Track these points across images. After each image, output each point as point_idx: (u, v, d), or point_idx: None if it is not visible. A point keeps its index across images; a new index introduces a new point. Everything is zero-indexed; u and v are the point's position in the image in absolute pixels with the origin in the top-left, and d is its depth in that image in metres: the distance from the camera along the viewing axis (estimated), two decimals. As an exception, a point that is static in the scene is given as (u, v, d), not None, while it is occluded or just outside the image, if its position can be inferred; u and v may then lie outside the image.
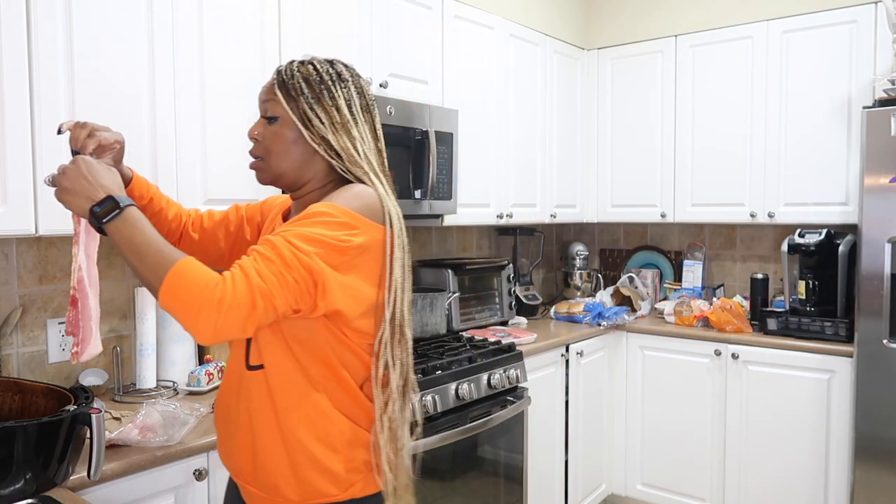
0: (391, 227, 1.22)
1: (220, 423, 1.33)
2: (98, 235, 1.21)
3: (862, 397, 2.56)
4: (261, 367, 1.23)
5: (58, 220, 1.62)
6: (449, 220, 2.74)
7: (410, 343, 1.28)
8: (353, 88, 1.27)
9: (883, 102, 2.60)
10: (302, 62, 1.28)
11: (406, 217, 2.56)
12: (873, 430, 2.54)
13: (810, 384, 2.76)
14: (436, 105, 2.60)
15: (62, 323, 1.94)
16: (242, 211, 1.48)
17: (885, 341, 2.51)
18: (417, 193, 2.46)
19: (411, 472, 1.28)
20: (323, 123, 1.23)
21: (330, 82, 1.25)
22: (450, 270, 2.87)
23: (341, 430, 1.22)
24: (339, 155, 1.24)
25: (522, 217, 3.18)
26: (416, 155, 2.45)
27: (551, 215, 3.38)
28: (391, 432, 1.24)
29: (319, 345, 1.21)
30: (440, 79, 2.69)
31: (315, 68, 1.26)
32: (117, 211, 1.10)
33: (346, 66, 1.30)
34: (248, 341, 1.24)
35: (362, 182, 1.25)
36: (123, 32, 1.73)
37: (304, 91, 1.23)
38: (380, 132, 1.31)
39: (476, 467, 2.33)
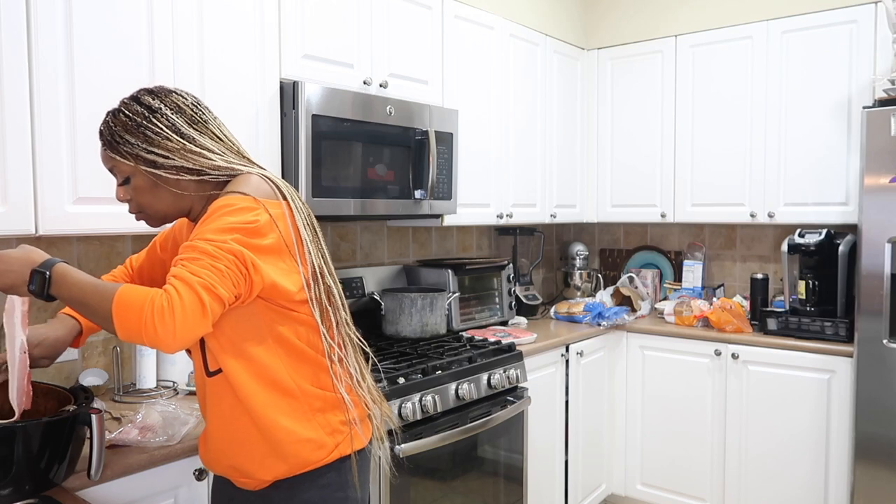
0: (283, 197, 1.30)
1: (205, 428, 1.40)
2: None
3: (862, 397, 2.56)
4: (219, 371, 1.29)
5: (58, 220, 1.62)
6: (449, 220, 2.74)
7: (338, 289, 1.36)
8: (168, 112, 1.28)
9: (883, 102, 2.60)
10: (114, 114, 1.29)
11: (406, 217, 2.60)
12: (873, 430, 2.54)
13: (810, 384, 2.76)
14: (436, 105, 2.60)
15: (62, 323, 1.94)
16: (159, 239, 1.56)
17: (885, 341, 2.51)
18: (417, 193, 2.46)
19: (379, 396, 1.42)
20: (167, 157, 1.27)
21: (145, 121, 1.27)
22: (450, 270, 2.87)
23: (310, 403, 1.31)
24: (199, 172, 1.29)
25: (522, 217, 3.18)
26: (416, 155, 2.45)
27: (551, 215, 3.38)
28: (351, 374, 1.35)
29: (272, 328, 1.28)
30: (440, 79, 2.69)
31: (125, 114, 1.28)
32: (45, 279, 1.14)
33: (150, 91, 1.31)
34: (203, 350, 1.31)
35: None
36: (123, 33, 1.73)
37: (130, 142, 1.26)
38: (219, 131, 1.34)
39: (476, 467, 2.33)
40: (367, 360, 1.42)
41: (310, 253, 1.30)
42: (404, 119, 2.40)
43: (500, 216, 3.03)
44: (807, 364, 2.77)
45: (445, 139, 2.57)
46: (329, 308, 1.32)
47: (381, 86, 2.41)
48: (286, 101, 2.09)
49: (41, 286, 1.15)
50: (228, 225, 1.19)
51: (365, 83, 2.36)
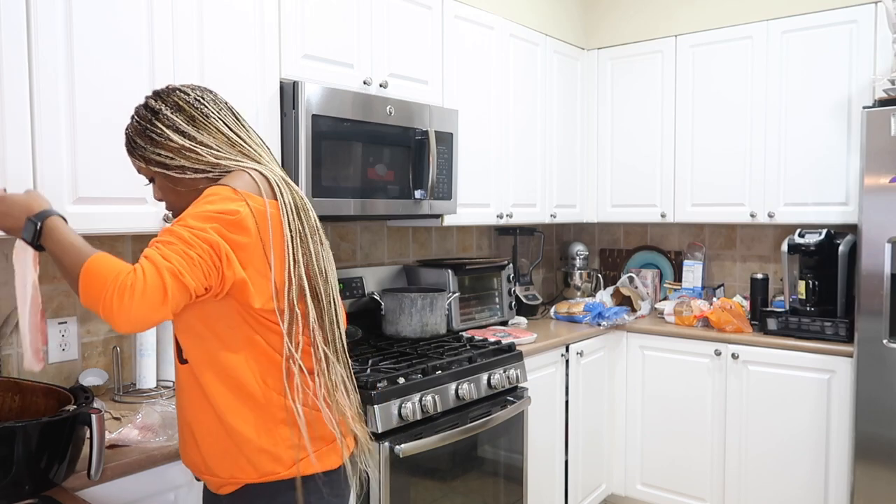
0: (274, 194, 1.28)
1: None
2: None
3: (862, 397, 2.56)
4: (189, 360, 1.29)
5: (58, 220, 1.62)
6: (449, 220, 2.74)
7: (328, 293, 1.32)
8: (168, 112, 1.30)
9: (883, 102, 2.60)
10: (131, 119, 1.33)
11: (406, 217, 2.59)
12: (873, 430, 2.54)
13: (810, 384, 2.76)
14: (436, 105, 2.60)
15: (63, 323, 1.94)
16: None
17: (885, 341, 2.51)
18: (417, 193, 2.46)
19: (359, 416, 1.36)
20: (171, 158, 1.29)
21: (148, 123, 1.30)
22: (450, 270, 2.87)
23: (274, 413, 1.27)
24: (203, 171, 1.30)
25: (522, 217, 3.18)
26: (416, 155, 2.45)
27: (551, 215, 3.38)
28: (328, 391, 1.30)
29: (245, 332, 1.25)
30: (440, 79, 2.69)
31: (135, 119, 1.32)
32: (36, 230, 1.19)
33: (156, 93, 1.34)
34: (177, 338, 1.30)
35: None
36: (123, 33, 1.73)
37: (142, 146, 1.30)
38: (221, 123, 1.34)
39: (476, 467, 2.33)
40: (349, 374, 1.36)
41: (290, 251, 1.25)
42: (404, 119, 2.40)
43: (500, 216, 3.03)
44: (807, 364, 2.77)
45: (445, 139, 2.57)
46: (314, 311, 1.27)
47: (381, 86, 2.41)
48: (286, 101, 2.09)
49: (32, 236, 1.18)
50: (208, 213, 1.18)
51: (365, 83, 2.36)
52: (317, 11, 2.20)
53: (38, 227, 1.18)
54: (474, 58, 2.87)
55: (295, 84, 2.08)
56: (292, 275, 1.25)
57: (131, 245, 2.10)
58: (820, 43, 2.94)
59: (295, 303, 1.25)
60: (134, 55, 1.75)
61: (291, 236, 1.26)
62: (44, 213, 1.20)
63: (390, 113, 2.34)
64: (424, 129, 2.47)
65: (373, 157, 2.30)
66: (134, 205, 1.77)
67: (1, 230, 1.24)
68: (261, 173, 1.30)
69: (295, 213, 1.29)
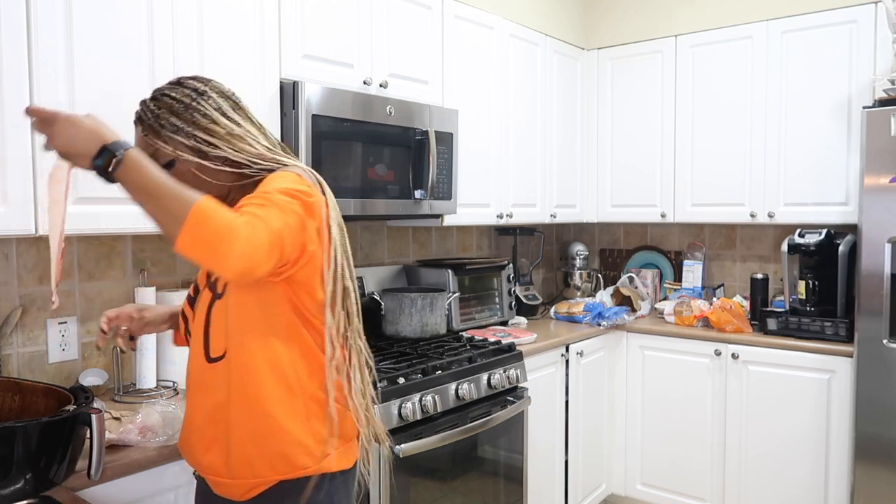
0: (323, 192, 1.27)
1: (185, 422, 1.37)
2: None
3: (862, 397, 2.56)
4: (222, 356, 1.26)
5: (58, 220, 1.62)
6: (449, 220, 2.74)
7: (356, 294, 1.32)
8: (214, 95, 1.26)
9: (883, 102, 2.60)
10: (154, 98, 1.26)
11: (406, 217, 2.59)
12: (873, 430, 2.54)
13: (810, 384, 2.76)
14: (436, 105, 2.60)
15: (63, 323, 1.94)
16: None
17: (885, 341, 2.51)
18: (417, 193, 2.46)
19: (376, 417, 1.36)
20: (212, 145, 1.23)
21: (194, 102, 1.24)
22: (450, 270, 2.87)
23: (308, 406, 1.27)
24: (240, 164, 1.25)
25: (522, 217, 3.18)
26: (416, 155, 2.45)
27: (551, 215, 3.38)
28: (357, 385, 1.31)
29: (294, 323, 1.25)
30: (440, 79, 2.69)
31: (170, 97, 1.24)
32: (116, 159, 1.05)
33: (194, 78, 1.29)
34: (207, 336, 1.28)
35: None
36: (123, 33, 1.73)
37: (177, 125, 1.22)
38: (257, 120, 1.34)
39: (476, 467, 2.33)
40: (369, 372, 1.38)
41: (335, 251, 1.26)
42: (404, 119, 2.40)
43: (500, 216, 3.03)
44: (807, 364, 2.77)
45: (445, 139, 2.57)
46: (342, 312, 1.28)
47: (381, 86, 2.41)
48: (286, 101, 2.09)
49: (107, 165, 1.05)
50: (289, 189, 1.16)
51: (365, 83, 2.36)
52: (317, 11, 2.20)
53: (118, 157, 1.04)
54: (474, 58, 2.87)
55: (295, 84, 2.08)
56: (337, 275, 1.26)
57: (132, 245, 2.10)
58: (820, 43, 2.94)
59: (340, 301, 1.26)
60: (134, 55, 1.75)
61: (338, 239, 1.27)
62: (121, 142, 1.06)
63: (390, 113, 2.34)
64: (424, 129, 2.47)
65: (373, 157, 2.30)
66: (134, 205, 1.77)
67: (63, 155, 1.09)
68: (309, 170, 1.29)
69: (338, 215, 1.29)
